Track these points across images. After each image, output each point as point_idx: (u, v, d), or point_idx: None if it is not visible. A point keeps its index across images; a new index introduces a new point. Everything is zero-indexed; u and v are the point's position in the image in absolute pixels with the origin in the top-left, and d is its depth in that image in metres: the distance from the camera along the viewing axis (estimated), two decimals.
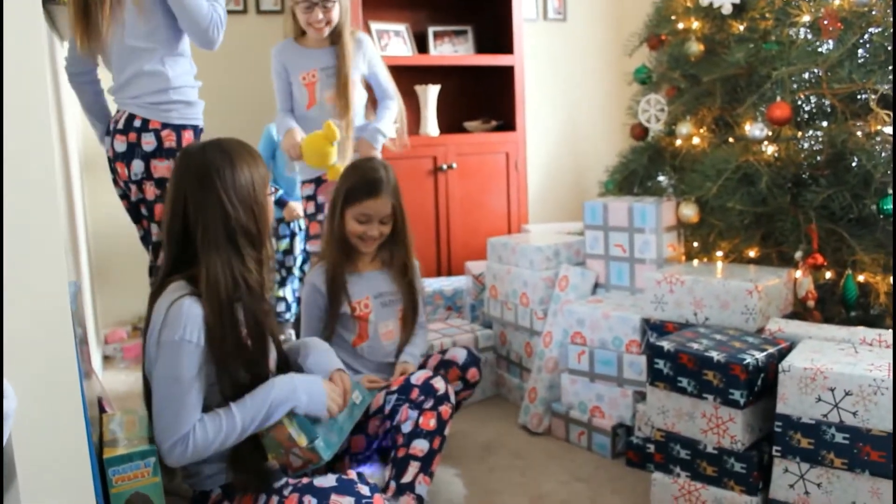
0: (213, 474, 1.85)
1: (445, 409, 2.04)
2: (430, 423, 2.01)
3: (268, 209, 1.87)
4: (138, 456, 1.71)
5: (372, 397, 2.05)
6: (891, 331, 2.06)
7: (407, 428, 2.01)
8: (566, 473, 2.40)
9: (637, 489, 2.26)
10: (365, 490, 1.65)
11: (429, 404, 2.02)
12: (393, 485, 1.96)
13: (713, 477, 2.02)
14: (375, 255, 2.43)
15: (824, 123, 2.57)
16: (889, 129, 2.42)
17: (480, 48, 4.20)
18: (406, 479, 1.96)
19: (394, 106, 2.94)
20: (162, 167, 2.28)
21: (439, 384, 2.06)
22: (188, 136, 2.31)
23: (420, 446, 1.99)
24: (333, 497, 1.63)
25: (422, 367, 2.38)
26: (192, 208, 1.78)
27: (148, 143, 2.28)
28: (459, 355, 2.35)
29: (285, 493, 1.69)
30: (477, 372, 2.35)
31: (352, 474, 1.69)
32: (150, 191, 2.31)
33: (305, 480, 1.70)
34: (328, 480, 1.67)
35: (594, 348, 2.52)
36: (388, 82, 2.97)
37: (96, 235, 3.82)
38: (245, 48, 3.90)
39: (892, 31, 2.34)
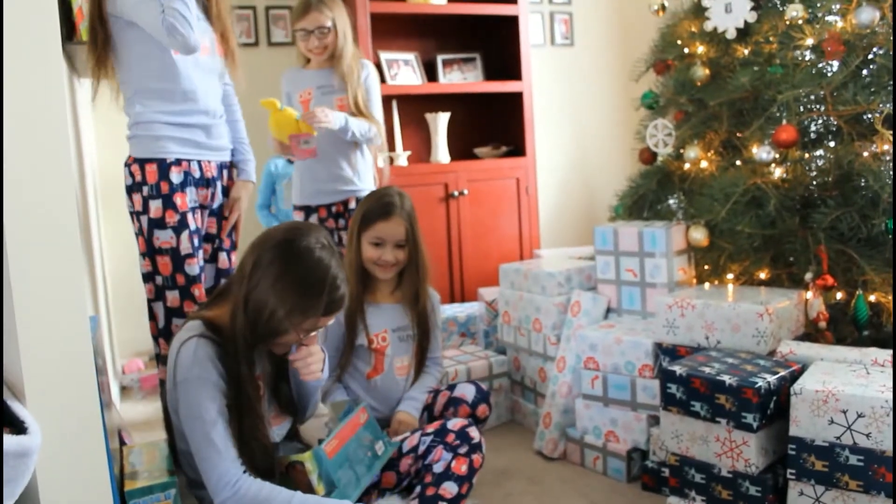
0: None
1: (478, 457, 2.07)
2: (461, 468, 2.03)
3: (280, 345, 1.87)
4: (159, 488, 1.73)
5: (394, 447, 2.08)
6: None
7: (439, 468, 2.03)
8: (582, 498, 2.40)
9: None
10: None
11: (463, 450, 2.05)
12: None
13: (728, 500, 2.03)
14: (395, 288, 2.45)
15: (831, 144, 2.59)
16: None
17: (489, 75, 4.25)
18: None
19: (373, 126, 2.99)
20: (134, 199, 2.34)
21: (475, 434, 2.09)
22: (151, 170, 2.33)
23: (449, 489, 2.01)
24: None
25: (429, 406, 2.40)
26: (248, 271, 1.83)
27: (126, 177, 2.34)
28: (468, 393, 2.36)
29: None
30: (487, 408, 2.36)
31: None
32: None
33: None
34: None
35: (607, 373, 2.53)
36: (374, 107, 3.04)
37: (113, 264, 3.86)
38: (257, 80, 3.96)
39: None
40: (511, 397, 3.10)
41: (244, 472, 1.73)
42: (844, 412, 1.82)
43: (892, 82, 2.42)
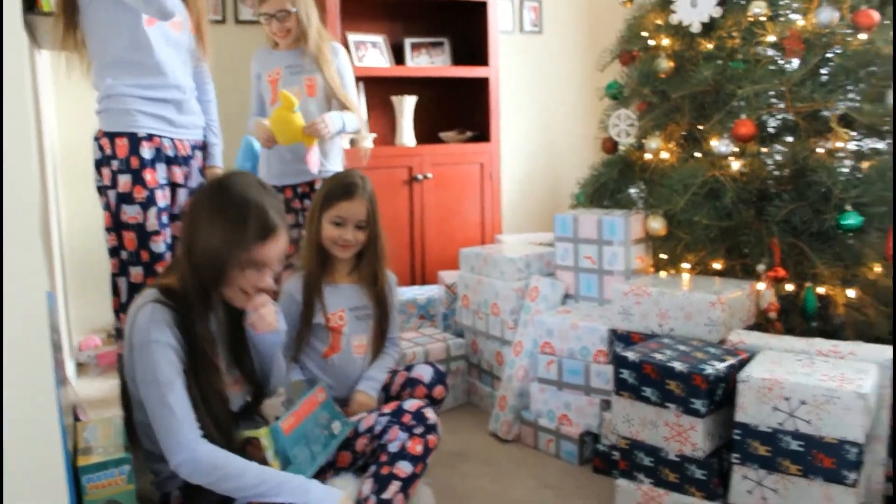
0: (172, 476, 1.88)
1: (433, 438, 2.10)
2: (416, 448, 2.06)
3: (233, 294, 1.87)
4: (113, 464, 1.74)
5: (351, 427, 2.10)
6: (846, 342, 2.13)
7: (394, 448, 2.05)
8: (534, 480, 2.45)
9: (603, 495, 2.31)
10: None
11: (418, 430, 2.08)
12: (374, 498, 1.99)
13: (675, 483, 2.08)
14: (353, 268, 2.47)
15: (788, 140, 2.65)
16: (851, 146, 2.51)
17: (457, 60, 4.26)
18: (386, 495, 2.00)
19: (349, 116, 3.00)
20: (102, 173, 2.32)
21: (431, 415, 2.11)
22: (121, 144, 2.32)
23: (404, 468, 2.03)
24: None
25: (387, 386, 2.42)
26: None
27: (95, 150, 2.33)
28: (425, 374, 2.39)
29: None
30: (443, 389, 2.39)
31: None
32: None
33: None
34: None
35: (563, 358, 2.57)
36: (351, 93, 3.04)
37: (71, 240, 3.83)
38: (224, 57, 3.93)
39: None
40: (468, 380, 3.14)
41: (202, 436, 1.74)
42: (788, 399, 1.88)
43: (848, 82, 2.48)
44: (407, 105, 3.98)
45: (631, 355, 2.11)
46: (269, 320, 1.92)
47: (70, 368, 3.34)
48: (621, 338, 2.44)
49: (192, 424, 1.74)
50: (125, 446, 1.82)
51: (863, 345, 2.11)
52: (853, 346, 2.10)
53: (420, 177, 3.91)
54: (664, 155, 2.87)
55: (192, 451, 1.71)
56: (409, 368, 2.42)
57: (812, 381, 1.88)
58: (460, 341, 3.12)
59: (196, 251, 1.82)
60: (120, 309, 2.38)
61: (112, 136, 2.30)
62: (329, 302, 2.41)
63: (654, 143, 2.85)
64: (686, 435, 2.03)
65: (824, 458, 1.86)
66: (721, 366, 2.02)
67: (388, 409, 2.13)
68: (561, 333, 2.57)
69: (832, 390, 1.83)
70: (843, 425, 1.83)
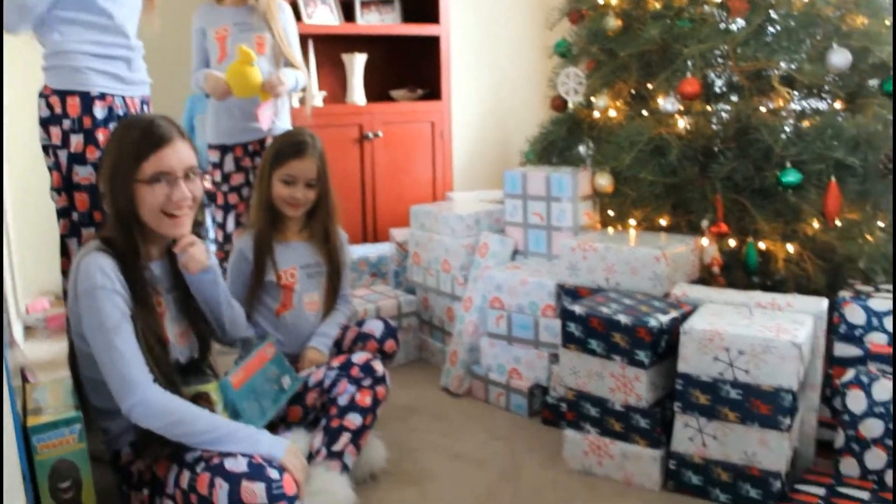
0: (121, 433, 1.89)
1: (381, 390, 2.13)
2: (365, 400, 2.09)
3: (155, 219, 1.87)
4: (63, 423, 1.74)
5: (300, 382, 2.12)
6: (784, 295, 2.20)
7: (343, 401, 2.09)
8: (485, 432, 2.50)
9: (551, 446, 2.37)
10: (275, 474, 1.69)
11: (367, 383, 2.11)
12: (324, 451, 2.03)
13: (620, 432, 2.15)
14: (303, 226, 2.47)
15: (733, 99, 2.70)
16: (794, 106, 2.57)
17: (407, 17, 4.23)
18: (337, 447, 2.03)
19: (300, 74, 2.98)
20: (51, 132, 2.28)
21: (379, 367, 2.15)
22: (73, 102, 2.28)
23: (354, 420, 2.07)
24: (244, 483, 1.66)
25: (338, 342, 2.45)
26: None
27: (42, 108, 2.27)
28: (376, 328, 2.42)
29: (198, 469, 1.72)
30: (394, 344, 2.43)
31: (259, 459, 1.72)
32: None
33: (216, 460, 1.72)
34: (239, 465, 1.70)
35: (512, 313, 2.62)
36: (296, 52, 3.02)
37: (16, 201, 3.76)
38: (164, 15, 3.85)
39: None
40: (419, 336, 3.18)
41: (152, 380, 1.76)
42: (727, 350, 1.95)
43: (790, 41, 2.53)
44: (357, 63, 3.96)
45: (578, 309, 2.15)
46: (198, 258, 1.92)
47: (18, 331, 3.31)
48: (569, 292, 2.49)
49: (142, 368, 1.75)
50: (75, 406, 1.82)
51: (799, 297, 2.19)
52: (790, 298, 2.17)
53: (371, 135, 3.90)
54: (612, 113, 2.90)
55: (144, 394, 1.72)
56: (360, 324, 2.45)
57: (750, 332, 1.95)
58: (411, 298, 3.16)
59: (105, 182, 1.87)
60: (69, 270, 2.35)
61: (62, 95, 2.25)
62: (280, 260, 2.41)
63: (602, 101, 2.88)
64: (631, 386, 2.10)
65: (761, 406, 1.93)
66: (664, 318, 2.08)
67: (336, 362, 2.16)
68: (510, 289, 2.61)
69: (769, 340, 1.91)
70: (778, 373, 1.91)
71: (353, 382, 2.10)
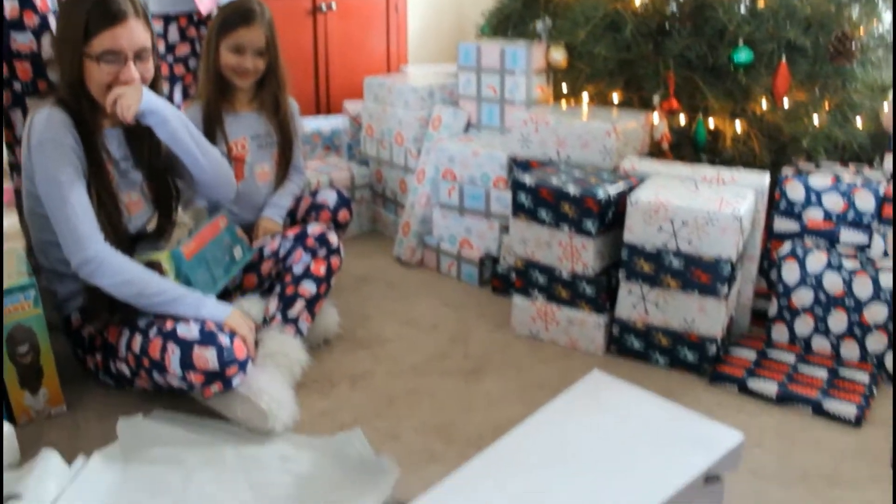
0: (70, 297, 1.91)
1: (336, 260, 2.17)
2: (320, 269, 2.13)
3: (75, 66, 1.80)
4: (18, 289, 1.75)
5: (252, 253, 2.14)
6: (728, 169, 2.26)
7: (298, 270, 2.12)
8: (436, 300, 2.57)
9: (500, 313, 2.45)
10: (226, 341, 1.73)
11: (322, 253, 2.14)
12: (279, 316, 2.07)
13: (567, 300, 2.23)
14: (253, 97, 2.44)
15: None
16: None
17: None
18: (292, 314, 2.08)
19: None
20: None
21: (333, 238, 2.18)
22: None
23: (308, 288, 2.11)
24: (196, 349, 1.71)
25: (292, 212, 2.46)
26: None
27: None
28: (330, 198, 2.43)
29: (150, 334, 1.76)
30: (348, 213, 2.45)
31: (211, 325, 1.76)
32: None
33: (169, 325, 1.76)
34: (192, 331, 1.73)
35: (464, 184, 2.65)
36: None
37: None
38: None
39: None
40: (373, 208, 3.21)
41: (104, 238, 1.77)
42: (672, 221, 2.02)
43: None
44: None
45: (528, 179, 2.19)
46: (128, 102, 1.78)
47: None
48: (520, 165, 2.52)
49: (94, 225, 1.76)
50: (28, 273, 1.83)
51: (743, 172, 2.25)
52: (735, 173, 2.23)
53: (324, 7, 3.81)
54: None
55: (96, 250, 1.74)
56: (314, 194, 2.46)
57: (694, 204, 2.01)
58: (365, 170, 3.17)
59: (54, 47, 1.84)
60: (15, 142, 2.29)
61: None
62: (230, 130, 2.39)
63: None
64: (578, 254, 2.16)
65: (701, 274, 2.02)
66: (612, 190, 2.13)
67: (291, 232, 2.19)
68: (462, 161, 2.63)
69: (712, 212, 1.97)
70: (719, 244, 1.99)
71: (308, 252, 2.13)
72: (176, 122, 1.89)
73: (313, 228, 2.18)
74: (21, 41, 2.15)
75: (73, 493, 1.50)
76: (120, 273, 1.75)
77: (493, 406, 1.95)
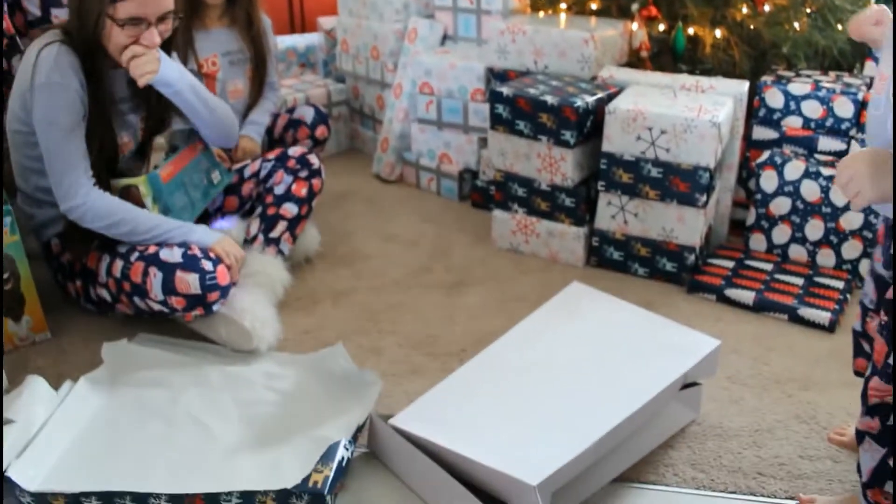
0: (47, 224, 1.89)
1: (317, 182, 2.15)
2: (301, 191, 2.12)
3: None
4: None
5: (230, 178, 2.12)
6: (707, 78, 2.25)
7: (280, 190, 2.10)
8: (416, 216, 2.57)
9: (480, 226, 2.46)
10: (208, 266, 1.73)
11: (303, 174, 2.12)
12: (261, 237, 2.07)
13: (546, 211, 2.23)
14: (223, 13, 2.38)
15: None
16: None
17: None
18: (273, 234, 2.07)
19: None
20: None
21: (314, 160, 2.16)
22: None
23: (290, 209, 2.10)
24: (179, 273, 1.71)
25: (269, 129, 2.42)
26: None
27: None
28: (307, 114, 2.40)
29: (131, 259, 1.76)
30: (326, 130, 2.42)
31: (195, 250, 1.75)
32: None
33: (152, 249, 1.76)
34: (174, 255, 1.73)
35: (441, 98, 2.62)
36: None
37: None
38: None
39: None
40: (350, 125, 3.17)
41: (94, 184, 1.75)
42: (650, 129, 2.01)
43: None
44: None
45: (505, 90, 2.17)
46: (144, 70, 1.76)
47: None
48: (498, 76, 2.49)
49: (87, 170, 1.74)
50: (6, 201, 1.80)
51: (722, 80, 2.23)
52: (713, 81, 2.22)
53: None
54: None
55: (86, 196, 1.72)
56: (291, 111, 2.43)
57: (673, 111, 2.00)
58: (341, 87, 3.12)
59: (73, 12, 1.73)
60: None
61: None
62: (200, 48, 2.33)
63: None
64: (557, 166, 2.15)
65: (680, 183, 2.02)
66: (590, 99, 2.11)
67: (272, 154, 2.17)
68: (439, 73, 2.60)
69: (689, 119, 1.96)
70: (697, 152, 1.98)
71: (289, 173, 2.12)
72: (188, 93, 1.87)
73: (294, 150, 2.16)
74: None
75: (61, 416, 1.52)
76: (109, 216, 1.74)
77: (474, 319, 1.97)
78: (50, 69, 1.68)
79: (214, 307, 1.76)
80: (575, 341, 1.56)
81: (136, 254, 1.75)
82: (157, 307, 1.76)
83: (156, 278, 1.72)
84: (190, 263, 1.72)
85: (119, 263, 1.77)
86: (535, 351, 1.55)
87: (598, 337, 1.57)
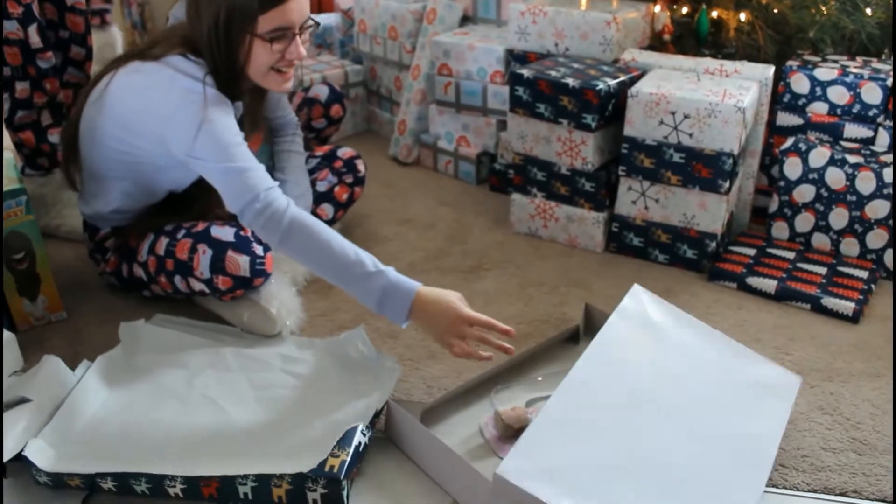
0: (106, 217, 1.86)
1: (359, 191, 2.16)
2: (343, 196, 2.12)
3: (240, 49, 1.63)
4: (9, 195, 1.72)
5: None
6: (732, 62, 2.21)
7: (321, 188, 2.09)
8: (434, 200, 2.54)
9: (499, 210, 2.43)
10: (259, 250, 1.70)
11: (349, 179, 2.12)
12: None
13: (566, 196, 2.20)
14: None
15: None
16: None
17: None
18: None
19: None
20: None
21: (362, 167, 2.17)
22: None
23: (326, 210, 2.09)
24: (230, 253, 1.68)
25: None
26: None
27: None
28: (322, 93, 2.37)
29: (178, 235, 1.73)
30: (340, 108, 2.39)
31: (248, 231, 1.71)
32: None
33: (201, 226, 1.73)
34: (226, 233, 1.70)
35: (460, 80, 2.59)
36: None
37: None
38: None
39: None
40: (367, 107, 3.15)
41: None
42: (673, 113, 1.97)
43: None
44: None
45: (526, 72, 2.14)
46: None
47: None
48: (518, 58, 2.45)
49: (266, 174, 1.60)
50: (18, 179, 1.79)
51: (747, 64, 2.19)
52: (738, 65, 2.18)
53: None
54: None
55: (276, 199, 1.55)
56: (306, 90, 2.40)
57: (696, 95, 1.97)
58: (358, 68, 3.09)
59: (204, 36, 1.62)
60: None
61: None
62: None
63: None
64: (577, 149, 2.13)
65: (702, 169, 1.99)
66: (612, 82, 2.08)
67: (320, 151, 2.16)
68: (458, 55, 2.56)
69: (714, 104, 1.93)
70: (721, 137, 1.95)
71: (334, 174, 2.11)
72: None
73: (343, 152, 2.16)
74: (9, 28, 2.03)
75: (77, 396, 1.51)
76: (304, 228, 1.55)
77: (491, 303, 1.95)
78: (201, 106, 1.57)
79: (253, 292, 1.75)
80: (665, 371, 1.45)
81: (184, 231, 1.74)
82: (198, 286, 1.74)
83: (204, 255, 1.69)
84: (243, 245, 1.70)
85: (164, 241, 1.75)
86: (626, 380, 1.42)
87: (689, 367, 1.48)
